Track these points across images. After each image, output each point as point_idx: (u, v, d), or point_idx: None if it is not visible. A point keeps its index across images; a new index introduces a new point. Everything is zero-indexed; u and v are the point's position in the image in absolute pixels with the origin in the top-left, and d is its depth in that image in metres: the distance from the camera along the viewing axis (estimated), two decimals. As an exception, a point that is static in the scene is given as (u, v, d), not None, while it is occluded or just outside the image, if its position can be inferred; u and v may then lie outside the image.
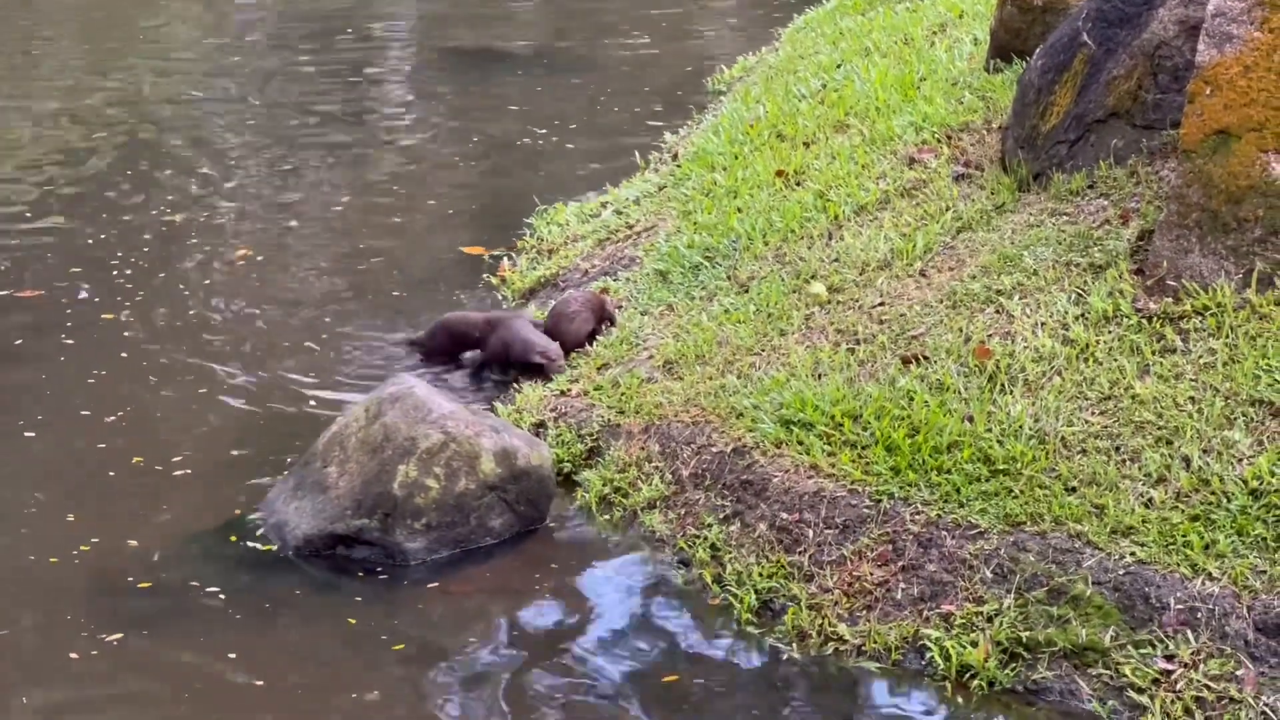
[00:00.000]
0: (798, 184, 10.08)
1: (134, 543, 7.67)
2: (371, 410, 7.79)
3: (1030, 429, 7.23)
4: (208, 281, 10.93)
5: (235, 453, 8.55)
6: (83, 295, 10.65)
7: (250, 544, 7.67)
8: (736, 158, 10.95)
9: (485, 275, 10.95)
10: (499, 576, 7.52)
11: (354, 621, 7.16)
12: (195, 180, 13.22)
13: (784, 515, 7.36)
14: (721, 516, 7.55)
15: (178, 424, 8.87)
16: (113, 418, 8.90)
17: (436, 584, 7.43)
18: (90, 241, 11.65)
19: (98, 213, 12.32)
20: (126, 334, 10.06)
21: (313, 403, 9.12)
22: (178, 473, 8.31)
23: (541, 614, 7.26)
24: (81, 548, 7.61)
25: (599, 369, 8.85)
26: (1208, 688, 6.26)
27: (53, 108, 15.72)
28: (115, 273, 11.01)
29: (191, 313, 10.38)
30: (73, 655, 6.89)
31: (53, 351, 9.81)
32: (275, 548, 7.62)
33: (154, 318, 10.32)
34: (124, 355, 9.76)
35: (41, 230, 12.02)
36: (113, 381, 9.39)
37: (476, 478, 7.64)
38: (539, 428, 8.49)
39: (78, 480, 8.27)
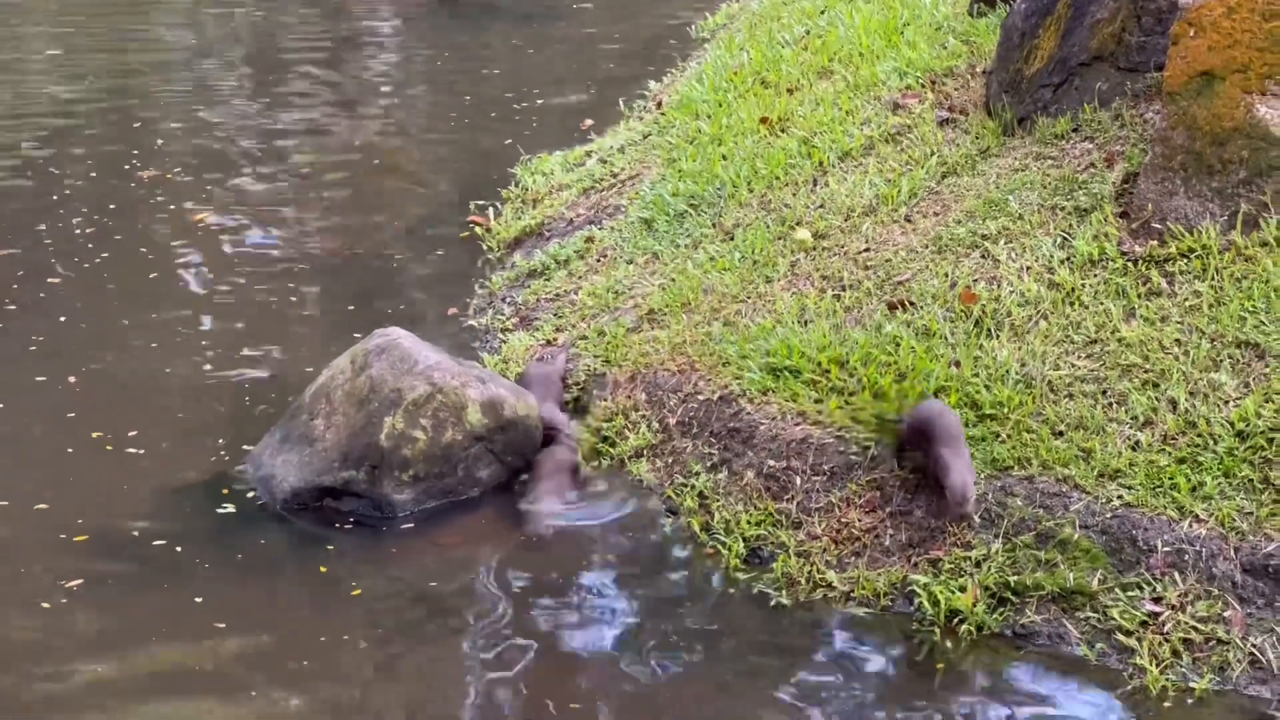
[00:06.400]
0: (782, 131, 10.07)
1: (107, 503, 7.62)
2: (357, 362, 7.77)
3: (1017, 373, 7.24)
4: (175, 243, 10.80)
5: (212, 410, 8.49)
6: (43, 253, 10.58)
7: (230, 500, 7.64)
8: (720, 105, 10.93)
9: (469, 223, 10.92)
10: (485, 527, 7.52)
11: (325, 570, 7.17)
12: (166, 136, 13.14)
13: (771, 462, 7.36)
14: (709, 464, 7.55)
15: (145, 388, 8.77)
16: (74, 378, 8.83)
17: (421, 534, 7.42)
18: (55, 197, 11.58)
19: (66, 166, 12.26)
20: (84, 295, 9.96)
21: (280, 363, 9.05)
22: (144, 437, 8.20)
23: (526, 564, 7.25)
24: (59, 509, 7.59)
25: (585, 318, 8.83)
26: (1195, 629, 6.28)
27: (34, 58, 15.67)
28: (78, 230, 10.93)
29: (154, 275, 10.28)
30: (44, 605, 6.90)
31: (5, 315, 9.73)
32: (262, 502, 7.61)
33: (114, 279, 10.21)
34: (81, 318, 9.65)
35: (10, 185, 11.96)
36: (73, 345, 9.29)
37: (463, 429, 7.63)
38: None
39: (47, 445, 8.20)
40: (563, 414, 7.99)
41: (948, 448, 6.75)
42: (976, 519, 6.71)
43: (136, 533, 7.39)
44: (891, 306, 7.86)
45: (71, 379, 8.80)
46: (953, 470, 6.68)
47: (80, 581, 7.03)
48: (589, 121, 12.76)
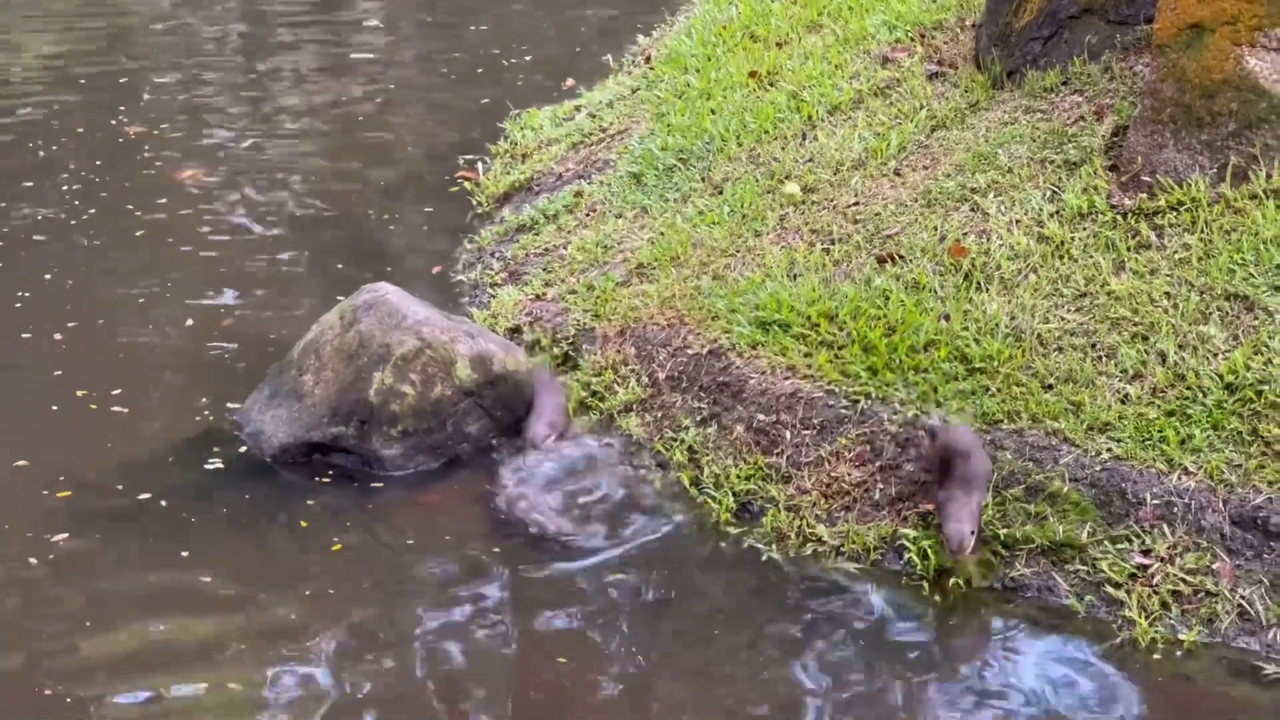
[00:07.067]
0: (771, 85, 10.04)
1: (90, 460, 7.61)
2: (346, 317, 7.75)
3: (1006, 327, 7.23)
4: (161, 200, 10.76)
5: (198, 368, 8.47)
6: (29, 210, 10.54)
7: (217, 456, 7.62)
8: (709, 59, 10.89)
9: (458, 178, 10.90)
10: (470, 484, 7.50)
11: (306, 525, 7.17)
12: (153, 92, 13.08)
13: (761, 417, 7.36)
14: (699, 419, 7.55)
15: (131, 345, 8.76)
16: (60, 335, 8.80)
17: (405, 490, 7.41)
18: (42, 154, 11.53)
19: (53, 122, 12.21)
20: (70, 252, 9.91)
21: (267, 319, 9.03)
22: (129, 395, 8.18)
23: (510, 521, 7.22)
24: (40, 466, 7.58)
25: (574, 273, 8.82)
26: (1184, 581, 6.29)
27: (20, 14, 15.60)
28: (64, 187, 10.88)
29: (140, 232, 10.24)
30: (31, 560, 6.91)
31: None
32: (249, 457, 7.59)
33: (100, 236, 10.16)
34: (67, 275, 9.59)
35: None
36: (59, 302, 9.24)
37: (452, 384, 7.62)
38: (514, 333, 8.47)
39: (30, 403, 8.17)
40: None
41: (957, 491, 6.56)
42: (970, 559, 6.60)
43: (120, 487, 7.39)
44: (881, 260, 7.85)
45: (57, 336, 8.78)
46: (952, 520, 6.49)
47: (65, 536, 7.03)
48: (570, 81, 12.70)
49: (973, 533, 6.48)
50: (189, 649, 6.38)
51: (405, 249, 10.06)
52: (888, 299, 7.56)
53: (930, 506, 6.76)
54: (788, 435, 7.26)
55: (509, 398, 7.76)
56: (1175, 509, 6.43)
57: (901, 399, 7.15)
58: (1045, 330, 7.18)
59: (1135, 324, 7.09)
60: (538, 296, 8.73)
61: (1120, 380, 6.90)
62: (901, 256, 7.83)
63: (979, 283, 7.52)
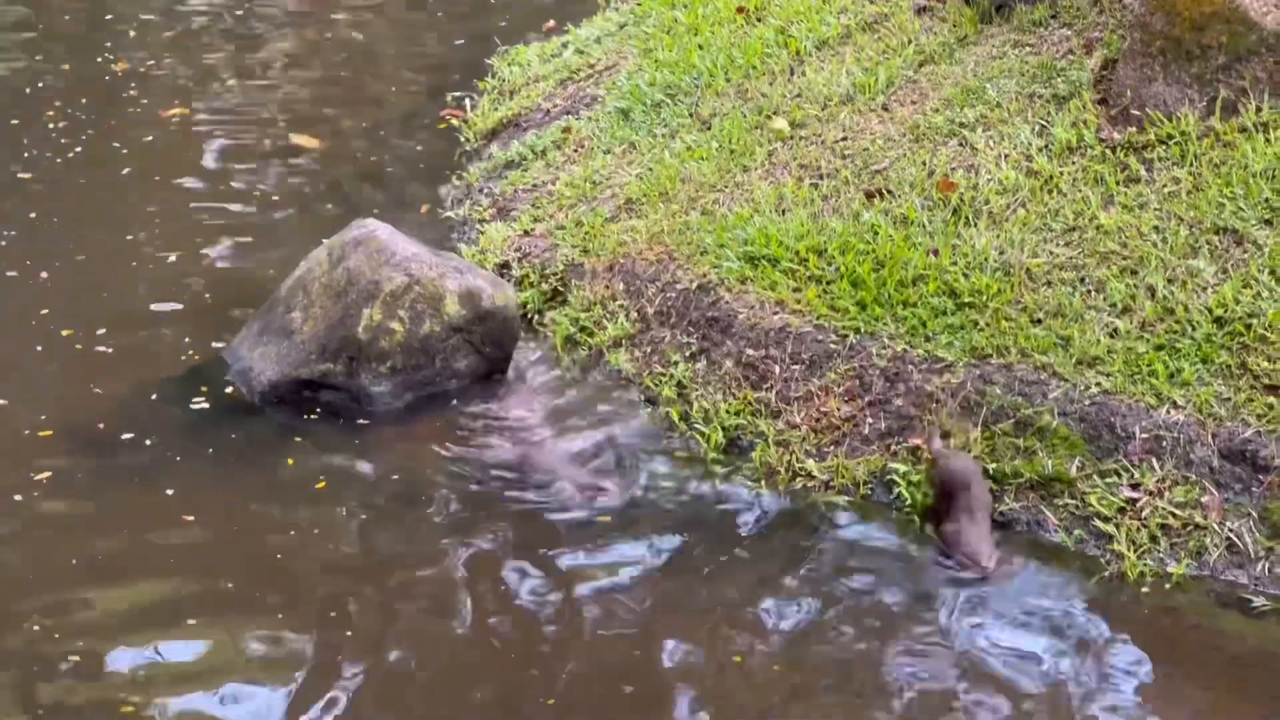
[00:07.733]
0: (759, 20, 10.00)
1: (73, 400, 7.57)
2: (335, 254, 7.73)
3: (995, 261, 7.22)
4: (148, 138, 10.69)
5: (185, 308, 8.41)
6: (14, 147, 10.47)
7: (203, 395, 7.59)
8: (697, -6, 10.86)
9: (446, 115, 10.87)
10: (458, 420, 7.48)
11: (292, 463, 7.16)
12: (139, 29, 13.00)
13: (750, 352, 7.35)
14: (687, 354, 7.54)
15: (117, 285, 8.69)
16: (46, 274, 8.75)
17: (393, 427, 7.40)
18: (28, 90, 11.47)
19: (38, 58, 12.14)
20: (56, 191, 9.84)
21: (255, 258, 8.99)
22: (114, 334, 8.13)
23: (497, 458, 7.22)
24: (21, 405, 7.54)
25: (562, 208, 8.80)
26: (1173, 515, 6.31)
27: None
28: (50, 125, 10.82)
29: (126, 170, 10.18)
30: (16, 498, 6.88)
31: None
32: (235, 396, 7.57)
33: (86, 174, 10.09)
34: (53, 213, 9.52)
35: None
36: (45, 241, 9.19)
37: (441, 320, 7.60)
38: (503, 268, 8.45)
39: (14, 342, 8.13)
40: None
41: (964, 520, 6.41)
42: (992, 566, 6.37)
43: (103, 426, 7.36)
44: (869, 195, 7.84)
45: (43, 275, 8.74)
46: (971, 538, 6.35)
47: (49, 475, 7.01)
48: (551, 22, 12.62)
49: (991, 554, 6.34)
50: (171, 587, 6.37)
51: (393, 186, 10.03)
52: (876, 234, 7.55)
53: (919, 441, 6.76)
54: (777, 370, 7.26)
55: (498, 333, 7.75)
56: (1164, 443, 6.44)
57: (890, 334, 7.15)
58: (1034, 265, 7.18)
59: (1124, 258, 7.09)
60: (526, 232, 8.71)
61: (1109, 314, 6.90)
62: (890, 191, 7.81)
63: (967, 217, 7.51)
